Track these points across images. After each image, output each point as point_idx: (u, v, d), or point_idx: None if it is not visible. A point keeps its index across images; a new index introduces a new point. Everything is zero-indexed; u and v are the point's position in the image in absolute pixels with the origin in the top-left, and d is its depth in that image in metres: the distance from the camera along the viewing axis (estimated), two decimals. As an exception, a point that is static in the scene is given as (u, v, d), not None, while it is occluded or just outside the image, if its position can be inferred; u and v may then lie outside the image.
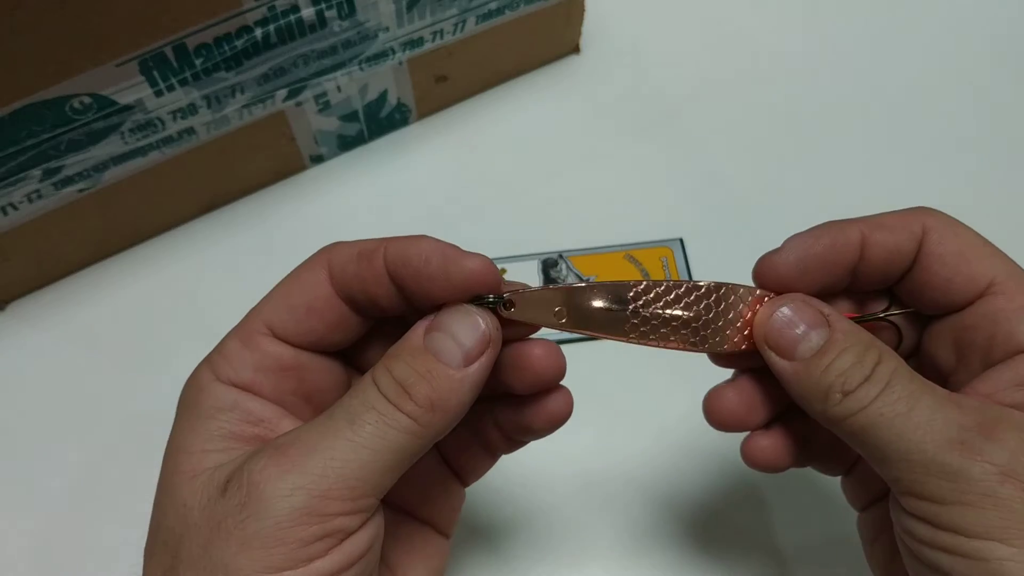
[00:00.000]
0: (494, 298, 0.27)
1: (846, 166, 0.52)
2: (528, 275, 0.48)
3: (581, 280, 0.48)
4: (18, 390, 0.46)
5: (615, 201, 0.51)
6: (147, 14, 0.38)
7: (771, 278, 0.29)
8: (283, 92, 0.46)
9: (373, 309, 0.28)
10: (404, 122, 0.54)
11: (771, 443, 0.30)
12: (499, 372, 0.29)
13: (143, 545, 0.26)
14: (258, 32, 0.42)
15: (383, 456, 0.25)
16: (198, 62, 0.41)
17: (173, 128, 0.44)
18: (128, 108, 0.41)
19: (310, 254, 0.29)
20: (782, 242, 0.29)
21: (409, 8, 0.46)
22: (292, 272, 0.29)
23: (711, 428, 0.30)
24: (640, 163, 0.53)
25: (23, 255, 0.46)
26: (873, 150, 0.52)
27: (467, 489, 0.33)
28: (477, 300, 0.27)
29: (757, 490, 0.41)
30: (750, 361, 0.30)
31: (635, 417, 0.43)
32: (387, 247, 0.27)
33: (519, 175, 0.52)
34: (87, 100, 0.39)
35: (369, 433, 0.25)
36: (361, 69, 0.48)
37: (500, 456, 0.33)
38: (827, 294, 0.29)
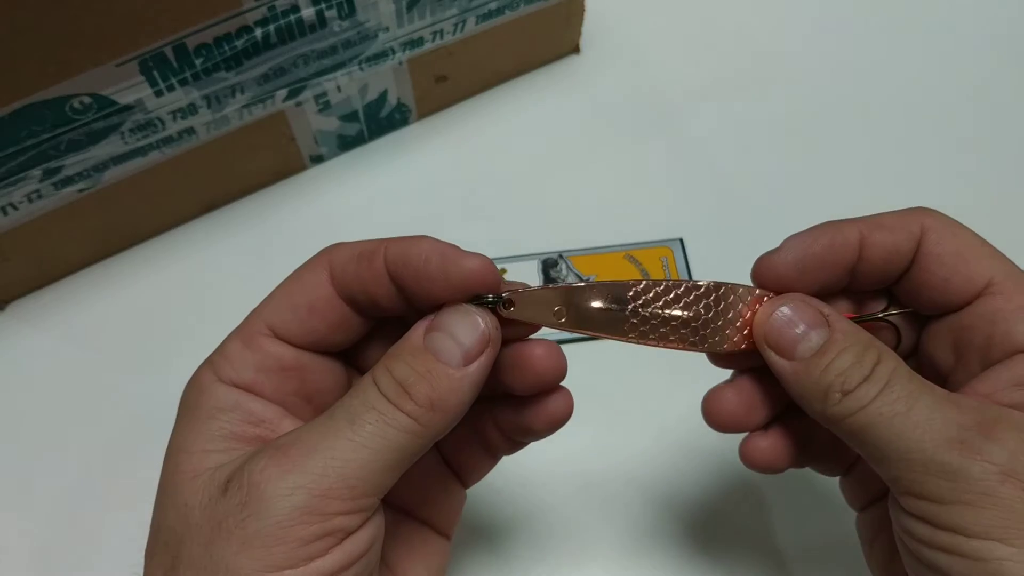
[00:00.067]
0: (493, 298, 0.27)
1: (846, 166, 0.52)
2: (528, 275, 0.48)
3: (581, 280, 0.48)
4: (18, 390, 0.46)
5: (615, 201, 0.51)
6: (147, 14, 0.38)
7: (770, 278, 0.29)
8: (283, 92, 0.46)
9: (374, 309, 0.28)
10: (404, 122, 0.54)
11: (770, 444, 0.30)
12: (500, 372, 0.29)
13: (143, 545, 0.26)
14: (258, 32, 0.42)
15: (383, 455, 0.25)
16: (198, 62, 0.41)
17: (173, 128, 0.44)
18: (128, 108, 0.41)
19: (310, 254, 0.29)
20: (781, 242, 0.29)
21: (409, 8, 0.46)
22: (293, 273, 0.29)
23: (710, 429, 0.30)
24: (640, 163, 0.53)
25: (23, 255, 0.46)
26: (873, 150, 0.52)
27: (467, 490, 0.33)
28: (477, 300, 0.27)
29: (756, 490, 0.41)
30: (749, 361, 0.30)
31: (635, 417, 0.43)
32: (387, 247, 0.27)
33: (519, 175, 0.52)
34: (87, 100, 0.39)
35: (369, 433, 0.25)
36: (361, 69, 0.48)
37: (501, 457, 0.33)
38: (826, 294, 0.29)
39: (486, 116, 0.55)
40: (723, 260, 0.47)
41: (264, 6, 0.41)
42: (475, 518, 0.41)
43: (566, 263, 0.48)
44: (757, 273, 0.30)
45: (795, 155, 0.52)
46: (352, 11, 0.44)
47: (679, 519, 0.40)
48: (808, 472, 0.33)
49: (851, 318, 0.29)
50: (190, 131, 0.45)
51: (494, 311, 0.27)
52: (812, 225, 0.29)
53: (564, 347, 0.29)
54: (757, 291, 0.29)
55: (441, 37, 0.49)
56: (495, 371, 0.28)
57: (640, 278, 0.47)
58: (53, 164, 0.42)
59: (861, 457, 0.27)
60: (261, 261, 0.48)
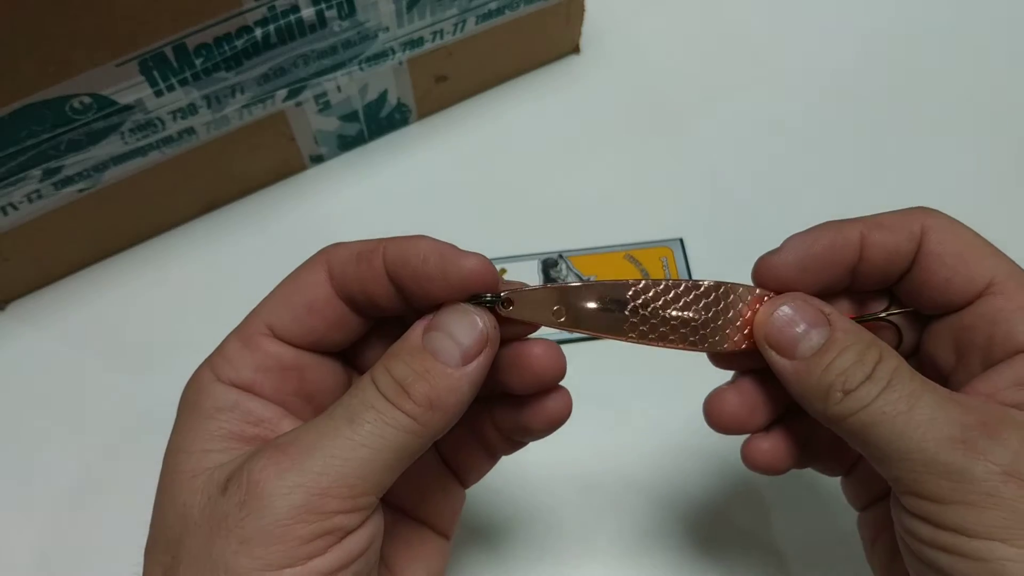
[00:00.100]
0: (492, 297, 0.27)
1: (846, 166, 0.52)
2: (528, 275, 0.48)
3: (581, 280, 0.48)
4: (18, 390, 0.46)
5: (615, 201, 0.51)
6: (147, 14, 0.38)
7: (770, 278, 0.29)
8: (283, 92, 0.46)
9: (373, 309, 0.28)
10: (404, 122, 0.54)
11: (771, 445, 0.30)
12: (499, 372, 0.29)
13: (143, 545, 0.26)
14: (258, 32, 0.42)
15: (382, 455, 0.25)
16: (198, 62, 0.41)
17: (173, 128, 0.44)
18: (128, 108, 0.41)
19: (310, 254, 0.29)
20: (782, 242, 0.29)
21: (409, 8, 0.46)
22: (292, 273, 0.29)
23: (711, 430, 0.30)
24: (640, 163, 0.52)
25: (23, 255, 0.46)
26: (873, 150, 0.52)
27: (467, 490, 0.33)
28: (475, 299, 0.27)
29: (757, 491, 0.41)
30: (749, 361, 0.30)
31: (635, 417, 0.43)
32: (386, 247, 0.27)
33: (519, 175, 0.52)
34: (87, 100, 0.39)
35: (368, 432, 0.25)
36: (361, 69, 0.48)
37: (500, 457, 0.33)
38: (827, 294, 0.29)
39: (486, 116, 0.55)
40: (723, 260, 0.47)
41: (264, 6, 0.41)
42: (475, 518, 0.41)
43: (566, 263, 0.48)
44: (757, 273, 0.29)
45: (795, 155, 0.52)
46: (352, 11, 0.44)
47: (680, 519, 0.40)
48: (809, 472, 0.33)
49: (852, 318, 0.29)
50: (190, 131, 0.45)
51: (493, 310, 0.27)
52: (813, 225, 0.29)
53: (564, 347, 0.29)
54: (757, 291, 0.29)
55: (441, 37, 0.49)
56: (494, 371, 0.28)
57: (640, 278, 0.47)
58: (53, 164, 0.41)
59: (863, 457, 0.27)
60: (261, 261, 0.48)
